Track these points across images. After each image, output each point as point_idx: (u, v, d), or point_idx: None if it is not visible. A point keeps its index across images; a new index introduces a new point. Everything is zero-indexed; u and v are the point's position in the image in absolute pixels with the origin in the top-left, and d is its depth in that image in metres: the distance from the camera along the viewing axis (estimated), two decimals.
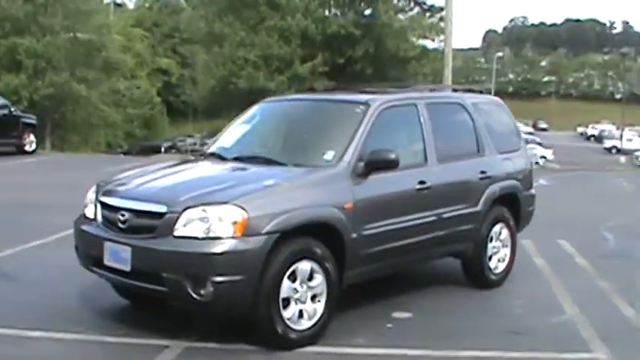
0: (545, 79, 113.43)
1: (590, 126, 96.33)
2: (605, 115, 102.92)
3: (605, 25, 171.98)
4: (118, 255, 5.73)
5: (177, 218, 5.51)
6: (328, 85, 22.99)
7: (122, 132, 43.07)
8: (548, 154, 51.75)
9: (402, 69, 23.99)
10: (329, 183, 6.11)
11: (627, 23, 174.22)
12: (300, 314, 5.82)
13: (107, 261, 5.83)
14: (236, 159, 6.69)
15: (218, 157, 6.95)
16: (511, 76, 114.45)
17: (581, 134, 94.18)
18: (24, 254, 8.84)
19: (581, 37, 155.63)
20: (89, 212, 6.29)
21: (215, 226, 5.43)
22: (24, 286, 7.48)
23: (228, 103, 24.40)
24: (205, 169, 6.71)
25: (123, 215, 5.76)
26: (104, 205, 6.07)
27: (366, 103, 6.78)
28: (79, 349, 5.80)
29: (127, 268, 5.67)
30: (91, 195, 6.37)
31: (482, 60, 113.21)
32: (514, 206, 8.14)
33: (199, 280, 5.39)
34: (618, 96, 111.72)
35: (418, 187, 6.84)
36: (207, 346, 5.84)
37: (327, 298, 5.93)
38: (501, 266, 8.01)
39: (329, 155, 6.40)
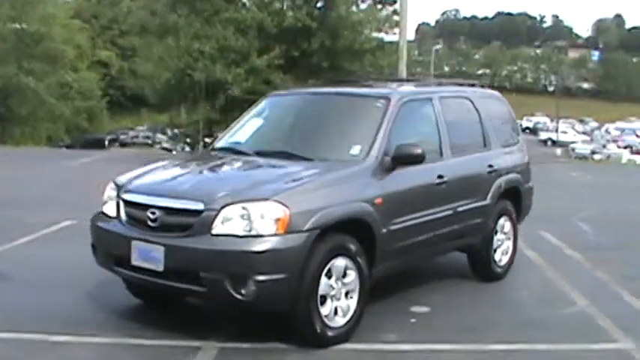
0: (480, 71, 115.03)
1: (525, 118, 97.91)
2: (539, 107, 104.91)
3: (535, 18, 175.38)
4: (149, 255, 5.53)
5: (216, 216, 5.35)
6: (285, 78, 22.92)
7: (64, 125, 42.01)
8: None
9: (357, 62, 24.01)
10: (360, 178, 6.04)
11: (557, 17, 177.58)
12: (335, 311, 5.75)
13: (135, 261, 5.62)
14: (258, 154, 6.54)
15: (237, 152, 6.77)
16: (446, 68, 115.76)
17: None
18: (14, 252, 8.51)
19: (513, 30, 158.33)
20: (109, 210, 6.06)
21: (257, 224, 5.30)
22: (26, 287, 7.18)
23: (184, 95, 24.08)
24: (231, 164, 6.51)
25: (153, 213, 5.55)
26: (128, 203, 5.85)
27: (387, 97, 6.74)
28: (112, 354, 5.57)
29: (160, 268, 5.47)
30: (110, 192, 6.14)
31: (416, 52, 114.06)
32: (516, 199, 8.21)
33: (241, 279, 5.25)
34: (551, 89, 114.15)
35: (437, 181, 6.83)
36: (241, 347, 5.69)
37: (359, 294, 5.87)
38: (505, 259, 8.08)
39: (355, 150, 6.33)
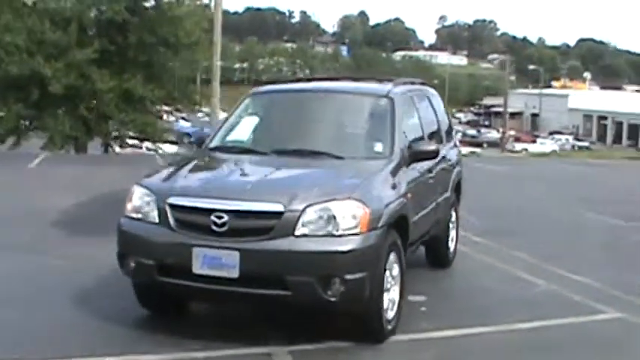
0: (237, 65, 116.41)
1: None
2: None
3: (284, 14, 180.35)
4: (218, 261, 5.25)
5: (299, 217, 5.24)
6: (104, 73, 21.99)
7: None
8: None
9: (176, 57, 23.63)
10: (394, 174, 6.17)
11: (305, 13, 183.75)
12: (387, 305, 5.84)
13: (199, 269, 5.30)
14: (277, 152, 6.40)
15: (250, 151, 6.60)
16: (205, 63, 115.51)
17: None
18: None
19: (263, 25, 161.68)
20: (148, 216, 5.64)
21: (342, 223, 5.28)
22: (29, 306, 6.53)
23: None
24: (268, 163, 6.23)
25: (220, 217, 5.27)
26: (180, 208, 5.48)
27: (389, 96, 6.91)
28: None
29: (234, 274, 5.23)
30: (145, 197, 5.71)
31: None
32: (459, 191, 8.70)
33: (330, 279, 5.21)
34: None
35: (429, 175, 7.12)
36: (307, 349, 5.60)
37: (400, 286, 6.00)
38: (452, 246, 8.55)
39: (379, 147, 6.47)
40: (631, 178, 22.51)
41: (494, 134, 73.87)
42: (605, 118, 76.51)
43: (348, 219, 5.30)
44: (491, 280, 8.02)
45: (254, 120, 7.16)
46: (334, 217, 5.28)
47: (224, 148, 6.78)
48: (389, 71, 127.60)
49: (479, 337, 6.15)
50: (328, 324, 6.03)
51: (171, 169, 6.19)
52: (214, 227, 5.30)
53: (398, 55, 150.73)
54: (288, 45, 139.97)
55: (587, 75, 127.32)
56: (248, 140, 6.90)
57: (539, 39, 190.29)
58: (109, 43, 22.36)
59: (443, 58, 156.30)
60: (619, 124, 74.81)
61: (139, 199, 5.76)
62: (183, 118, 36.53)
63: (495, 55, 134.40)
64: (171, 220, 5.47)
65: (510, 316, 6.66)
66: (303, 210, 5.26)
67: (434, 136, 7.81)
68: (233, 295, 5.43)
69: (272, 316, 6.23)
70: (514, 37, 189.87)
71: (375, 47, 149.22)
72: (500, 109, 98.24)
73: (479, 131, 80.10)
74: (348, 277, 5.23)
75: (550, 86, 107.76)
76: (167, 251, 5.47)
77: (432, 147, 6.65)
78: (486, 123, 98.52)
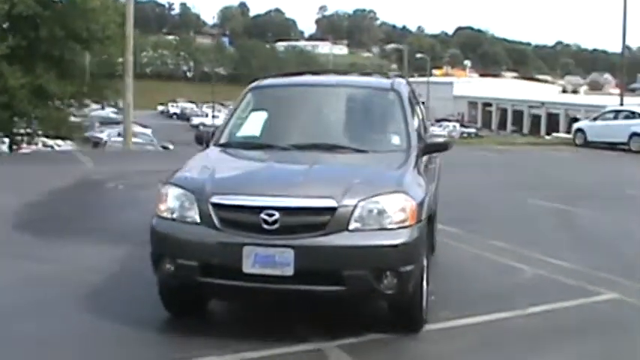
0: (120, 59, 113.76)
1: (170, 104, 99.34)
2: (181, 93, 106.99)
3: (164, 6, 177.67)
4: (271, 260, 5.19)
5: (352, 212, 5.25)
6: (15, 69, 21.10)
7: None
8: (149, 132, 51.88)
9: (87, 51, 22.96)
10: (418, 167, 6.25)
11: (185, 5, 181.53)
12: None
13: (250, 268, 5.22)
14: (297, 147, 6.36)
15: (268, 146, 6.53)
16: (119, 58, 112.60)
17: (162, 112, 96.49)
18: None
19: (142, 17, 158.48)
20: (190, 216, 5.49)
21: (393, 217, 5.33)
22: (42, 317, 6.20)
23: None
24: (300, 158, 6.21)
25: (270, 215, 5.21)
26: (224, 207, 5.36)
27: (395, 89, 6.99)
28: None
29: (289, 272, 5.18)
30: (182, 197, 5.56)
31: None
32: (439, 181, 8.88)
33: (384, 272, 5.26)
34: (190, 74, 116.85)
35: (431, 166, 7.26)
36: (354, 342, 5.61)
37: (427, 276, 6.10)
38: (436, 235, 8.69)
39: (396, 140, 6.56)
40: (547, 162, 23.46)
41: None
42: (490, 105, 79.14)
43: (399, 212, 5.36)
44: (482, 268, 8.22)
45: (262, 115, 7.08)
46: (385, 211, 5.33)
47: (237, 144, 6.70)
48: (273, 62, 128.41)
49: (503, 322, 6.31)
50: (360, 317, 6.10)
51: (195, 167, 6.06)
52: (265, 225, 5.23)
53: (281, 45, 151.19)
54: (171, 37, 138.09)
55: (467, 63, 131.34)
56: (262, 135, 6.82)
57: (419, 28, 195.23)
58: (21, 38, 21.48)
59: (324, 48, 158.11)
60: (503, 111, 77.53)
61: (174, 199, 5.60)
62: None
63: (392, 45, 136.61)
64: (215, 220, 5.35)
65: (519, 301, 6.82)
66: (356, 205, 5.28)
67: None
68: (285, 293, 5.38)
69: (301, 313, 6.18)
70: (394, 27, 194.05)
71: (256, 38, 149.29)
72: None
73: None
74: (402, 269, 5.30)
75: (432, 74, 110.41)
76: (213, 251, 5.35)
77: (443, 139, 6.78)
78: None
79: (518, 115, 75.60)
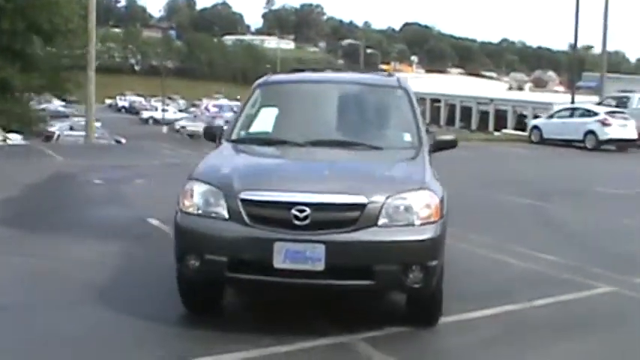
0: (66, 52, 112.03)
1: (119, 98, 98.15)
2: (128, 86, 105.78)
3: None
4: (302, 255, 5.27)
5: (381, 208, 5.37)
6: None
7: None
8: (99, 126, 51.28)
9: (51, 44, 22.61)
10: (431, 164, 6.39)
11: None
12: None
13: (281, 263, 5.29)
14: (313, 143, 6.44)
15: (283, 142, 6.58)
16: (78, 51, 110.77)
17: (111, 106, 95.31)
18: None
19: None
20: (217, 212, 5.52)
21: (420, 213, 5.48)
22: (64, 313, 6.20)
23: None
24: (314, 154, 6.32)
25: (301, 211, 5.29)
26: (254, 203, 5.41)
27: (402, 86, 7.15)
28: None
29: (320, 267, 5.27)
30: (208, 193, 5.59)
31: None
32: None
33: (412, 267, 5.39)
34: (137, 68, 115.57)
35: None
36: (377, 335, 5.73)
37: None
38: None
39: (408, 137, 6.70)
40: (507, 159, 23.92)
41: None
42: (439, 101, 79.67)
43: (424, 209, 5.51)
44: (473, 263, 8.34)
45: (272, 111, 7.15)
46: (412, 208, 5.47)
47: (250, 140, 6.76)
48: (221, 56, 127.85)
49: (512, 315, 6.50)
50: (373, 311, 6.30)
51: (216, 163, 6.11)
52: (295, 221, 5.31)
53: (229, 39, 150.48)
54: (118, 30, 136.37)
55: (414, 59, 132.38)
56: (275, 132, 6.88)
57: (365, 23, 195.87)
58: None
59: (271, 42, 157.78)
60: (452, 107, 78.17)
61: (200, 195, 5.62)
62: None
63: (349, 41, 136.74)
64: (245, 216, 5.40)
65: (520, 295, 7.00)
66: (384, 201, 5.40)
67: None
68: (315, 288, 5.51)
69: (314, 308, 6.32)
70: (341, 22, 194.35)
71: (203, 32, 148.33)
72: None
73: None
74: (428, 264, 5.45)
75: (380, 70, 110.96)
76: (243, 247, 5.41)
77: (452, 137, 6.94)
78: None
79: (466, 111, 76.31)
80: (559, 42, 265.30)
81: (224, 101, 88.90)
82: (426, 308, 5.92)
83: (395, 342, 5.68)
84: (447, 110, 79.13)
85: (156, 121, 70.13)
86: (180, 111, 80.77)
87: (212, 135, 7.12)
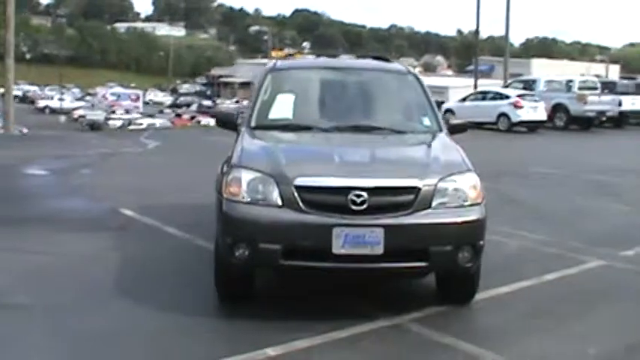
0: None
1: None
2: (21, 74, 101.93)
3: None
4: (361, 239, 5.33)
5: (434, 190, 5.51)
6: None
7: None
8: None
9: None
10: None
11: None
12: None
13: (340, 249, 5.32)
14: (338, 129, 6.51)
15: (307, 128, 6.57)
16: None
17: (3, 95, 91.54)
18: None
19: None
20: (269, 199, 5.49)
21: (469, 194, 5.66)
22: (91, 312, 6.02)
23: None
24: (349, 140, 6.43)
25: (359, 196, 5.34)
26: (308, 189, 5.42)
27: (412, 72, 7.37)
28: (351, 346, 5.35)
29: (379, 251, 5.34)
30: (257, 180, 5.55)
31: None
32: None
33: (465, 247, 5.57)
34: (28, 56, 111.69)
35: None
36: (419, 316, 5.87)
37: None
38: None
39: (427, 121, 6.87)
40: None
41: (228, 104, 74.87)
42: None
43: (472, 190, 5.69)
44: None
45: (289, 97, 7.11)
46: (462, 190, 5.65)
47: (274, 127, 6.69)
48: (114, 44, 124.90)
49: (532, 290, 6.77)
50: (405, 294, 6.50)
51: (255, 150, 6.06)
52: (353, 206, 5.36)
53: (121, 27, 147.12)
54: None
55: (306, 45, 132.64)
56: (297, 118, 6.84)
57: (256, 10, 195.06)
58: None
59: (162, 29, 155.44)
60: None
61: (249, 182, 5.57)
62: None
63: (256, 27, 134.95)
64: (299, 202, 5.42)
65: (528, 272, 7.25)
66: (436, 184, 5.55)
67: None
68: (373, 272, 5.59)
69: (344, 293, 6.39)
70: (231, 8, 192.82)
71: (93, 19, 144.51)
72: (229, 80, 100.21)
73: (214, 102, 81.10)
74: (477, 243, 5.66)
75: (272, 57, 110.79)
76: (300, 234, 5.40)
77: (463, 121, 7.12)
78: (209, 93, 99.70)
79: None
80: (447, 27, 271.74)
81: (119, 89, 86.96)
82: (466, 286, 6.11)
83: (440, 321, 5.82)
84: None
85: (52, 111, 68.13)
86: (77, 100, 78.50)
87: (225, 122, 7.08)
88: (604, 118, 30.31)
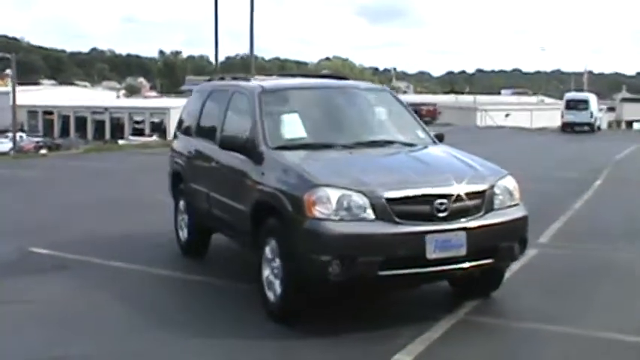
0: None
1: None
2: None
3: None
4: (448, 243, 5.86)
5: (494, 193, 6.23)
6: None
7: None
8: None
9: None
10: None
11: None
12: None
13: (432, 254, 5.80)
14: (359, 144, 6.90)
15: (329, 146, 6.85)
16: None
17: None
18: None
19: None
20: (361, 214, 5.77)
21: (515, 194, 6.47)
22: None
23: None
24: (392, 153, 6.96)
25: (442, 203, 5.87)
26: (398, 201, 5.81)
27: (386, 89, 8.34)
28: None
29: (462, 252, 5.91)
30: (346, 197, 5.79)
31: None
32: None
33: (523, 241, 6.38)
34: None
35: None
36: (473, 311, 6.57)
37: None
38: None
39: (420, 134, 7.53)
40: None
41: None
42: (52, 112, 77.22)
43: (516, 191, 6.50)
44: None
45: (293, 117, 7.21)
46: (511, 191, 6.44)
47: (296, 146, 6.82)
48: None
49: (543, 258, 8.31)
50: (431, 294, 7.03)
51: (323, 168, 6.26)
52: (438, 213, 5.90)
53: None
54: None
55: (8, 72, 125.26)
56: (313, 136, 7.02)
57: None
58: None
59: None
60: (66, 118, 76.32)
61: (338, 200, 5.78)
62: None
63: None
64: (392, 214, 5.80)
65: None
66: (493, 187, 6.28)
67: None
68: (455, 272, 6.14)
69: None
70: None
71: None
72: None
73: None
74: (526, 236, 6.49)
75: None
76: (397, 244, 5.79)
77: (440, 132, 7.84)
78: None
79: (81, 122, 75.19)
80: (147, 49, 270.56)
81: None
82: (500, 276, 6.83)
83: (494, 311, 6.63)
84: (61, 121, 77.16)
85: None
86: None
87: (233, 145, 7.10)
88: None
